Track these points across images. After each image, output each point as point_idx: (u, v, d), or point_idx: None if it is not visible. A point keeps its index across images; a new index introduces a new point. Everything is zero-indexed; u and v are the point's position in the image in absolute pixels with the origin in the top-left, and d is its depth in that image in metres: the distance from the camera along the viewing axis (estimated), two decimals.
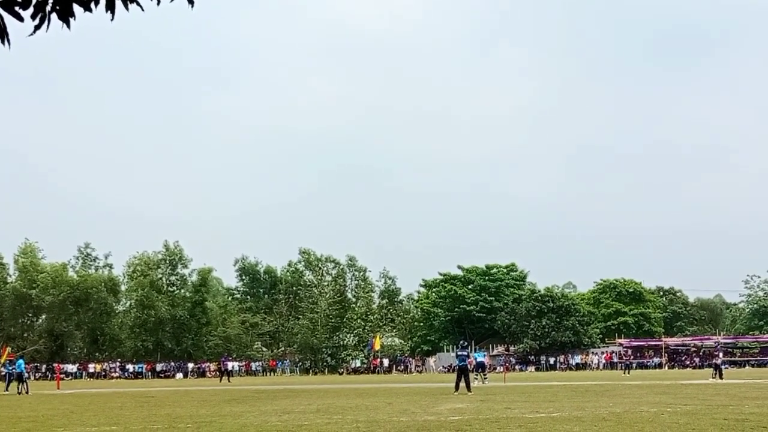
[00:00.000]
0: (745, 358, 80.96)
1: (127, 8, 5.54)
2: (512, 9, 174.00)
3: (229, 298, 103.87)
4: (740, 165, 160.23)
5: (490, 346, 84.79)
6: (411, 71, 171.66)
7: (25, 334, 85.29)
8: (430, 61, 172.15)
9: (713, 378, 41.72)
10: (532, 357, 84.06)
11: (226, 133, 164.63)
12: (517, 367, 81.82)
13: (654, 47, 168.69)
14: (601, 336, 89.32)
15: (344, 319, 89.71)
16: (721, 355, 48.72)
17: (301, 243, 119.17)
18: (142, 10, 5.58)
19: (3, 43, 5.38)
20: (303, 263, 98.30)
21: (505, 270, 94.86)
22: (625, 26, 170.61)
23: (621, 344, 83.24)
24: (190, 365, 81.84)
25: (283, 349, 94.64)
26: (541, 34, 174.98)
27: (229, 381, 58.61)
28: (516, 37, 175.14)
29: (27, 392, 39.70)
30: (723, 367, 46.36)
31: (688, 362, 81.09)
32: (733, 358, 76.48)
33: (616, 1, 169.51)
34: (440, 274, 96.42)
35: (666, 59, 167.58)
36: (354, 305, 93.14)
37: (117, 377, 77.58)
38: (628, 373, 60.01)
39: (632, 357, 77.18)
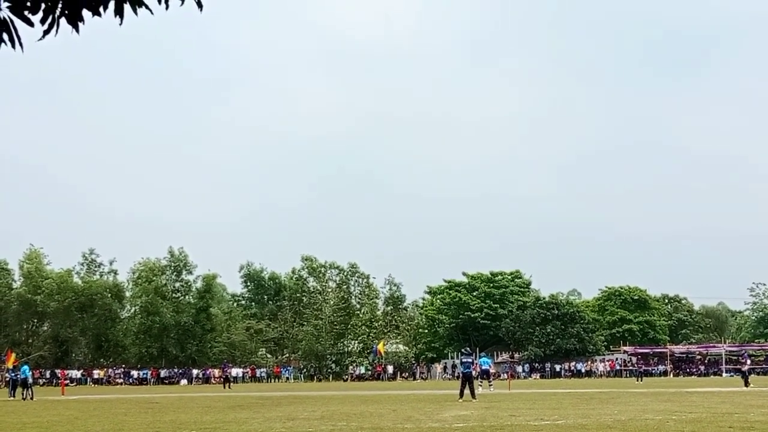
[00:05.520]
0: (751, 366, 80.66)
1: (135, 12, 5.57)
2: (504, 15, 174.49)
3: (234, 305, 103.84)
4: (744, 171, 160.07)
5: (495, 353, 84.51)
6: (409, 77, 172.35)
7: (30, 340, 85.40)
8: (426, 68, 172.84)
9: (745, 386, 41.51)
10: (537, 364, 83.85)
11: (228, 138, 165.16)
12: (521, 374, 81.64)
13: (650, 51, 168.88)
14: (606, 343, 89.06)
15: (349, 326, 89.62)
16: (748, 362, 48.47)
17: (304, 249, 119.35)
18: (152, 13, 5.61)
19: (14, 47, 5.42)
20: (306, 270, 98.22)
21: (509, 277, 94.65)
22: (620, 32, 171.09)
23: (626, 351, 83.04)
24: (195, 371, 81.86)
25: (287, 355, 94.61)
26: (535, 39, 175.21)
27: (229, 387, 58.75)
28: (510, 42, 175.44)
29: (32, 398, 39.79)
30: (727, 374, 46.23)
31: (693, 370, 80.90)
32: (737, 367, 76.15)
33: (610, 8, 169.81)
34: (445, 281, 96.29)
35: (662, 63, 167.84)
36: (358, 312, 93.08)
37: (121, 383, 77.60)
38: (641, 380, 59.77)
39: (643, 365, 76.89)
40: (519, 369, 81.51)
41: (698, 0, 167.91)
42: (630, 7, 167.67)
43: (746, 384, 42.63)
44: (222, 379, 65.27)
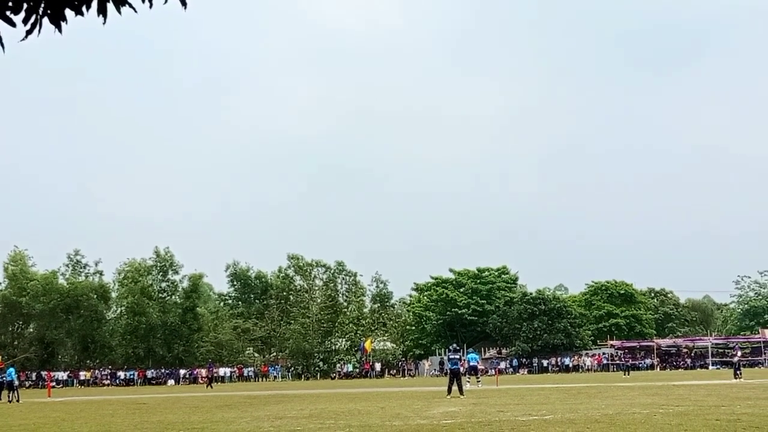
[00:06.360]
0: (739, 358, 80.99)
1: (119, 11, 5.53)
2: (487, 11, 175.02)
3: (221, 304, 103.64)
4: (727, 165, 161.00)
5: (483, 349, 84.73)
6: (392, 74, 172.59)
7: (16, 342, 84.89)
8: (410, 64, 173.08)
9: (736, 378, 41.98)
10: (524, 359, 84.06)
11: (214, 137, 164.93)
12: (509, 369, 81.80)
13: (632, 47, 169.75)
14: (592, 338, 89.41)
15: (336, 324, 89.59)
16: (738, 353, 48.77)
17: (290, 247, 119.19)
18: (135, 11, 5.56)
19: None
20: (293, 268, 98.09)
21: (496, 273, 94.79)
22: (601, 28, 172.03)
23: (613, 346, 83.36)
24: (182, 372, 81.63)
25: (275, 354, 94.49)
26: (518, 36, 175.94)
27: (210, 387, 58.87)
28: (493, 38, 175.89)
29: (18, 400, 39.55)
30: (713, 367, 46.48)
31: (680, 363, 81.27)
32: (724, 359, 76.70)
33: (590, 5, 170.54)
34: (432, 278, 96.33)
35: (644, 59, 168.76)
36: (345, 310, 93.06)
37: (108, 384, 77.25)
38: (628, 374, 59.98)
39: (630, 359, 77.16)
40: (502, 365, 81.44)
41: None
42: (609, 4, 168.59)
43: (735, 375, 43.00)
44: (207, 379, 65.17)
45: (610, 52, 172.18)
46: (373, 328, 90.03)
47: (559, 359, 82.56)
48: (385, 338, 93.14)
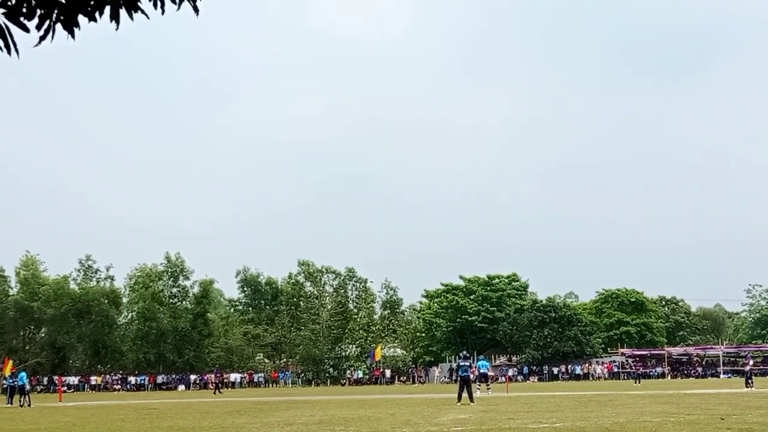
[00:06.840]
0: (751, 367, 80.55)
1: (131, 17, 5.56)
2: (496, 20, 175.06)
3: (231, 310, 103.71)
4: (738, 173, 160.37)
5: (493, 356, 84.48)
6: (402, 82, 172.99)
7: (27, 347, 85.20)
8: (419, 73, 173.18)
9: (748, 387, 41.98)
10: (535, 367, 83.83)
11: (224, 144, 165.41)
12: (519, 377, 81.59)
13: (641, 57, 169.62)
14: (603, 346, 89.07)
15: (346, 330, 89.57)
16: (750, 362, 48.55)
17: (300, 253, 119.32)
18: (147, 18, 5.61)
19: (10, 53, 5.41)
20: (303, 275, 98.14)
21: (506, 280, 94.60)
22: (610, 38, 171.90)
23: (623, 354, 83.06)
24: (192, 377, 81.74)
25: (285, 360, 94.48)
26: (527, 45, 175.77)
27: (220, 392, 59.02)
28: (502, 47, 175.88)
29: (29, 405, 39.72)
30: (725, 375, 46.27)
31: (691, 372, 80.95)
32: (735, 368, 76.31)
33: (600, 15, 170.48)
34: (442, 285, 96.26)
35: (653, 68, 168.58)
36: (356, 316, 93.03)
37: (119, 389, 77.46)
38: (639, 383, 59.71)
39: (641, 367, 76.82)
40: (512, 372, 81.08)
41: (688, 5, 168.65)
42: (618, 14, 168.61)
43: (747, 384, 42.90)
44: (214, 385, 65.13)
45: (619, 62, 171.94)
46: (383, 335, 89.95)
47: (569, 367, 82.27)
48: (395, 345, 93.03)
